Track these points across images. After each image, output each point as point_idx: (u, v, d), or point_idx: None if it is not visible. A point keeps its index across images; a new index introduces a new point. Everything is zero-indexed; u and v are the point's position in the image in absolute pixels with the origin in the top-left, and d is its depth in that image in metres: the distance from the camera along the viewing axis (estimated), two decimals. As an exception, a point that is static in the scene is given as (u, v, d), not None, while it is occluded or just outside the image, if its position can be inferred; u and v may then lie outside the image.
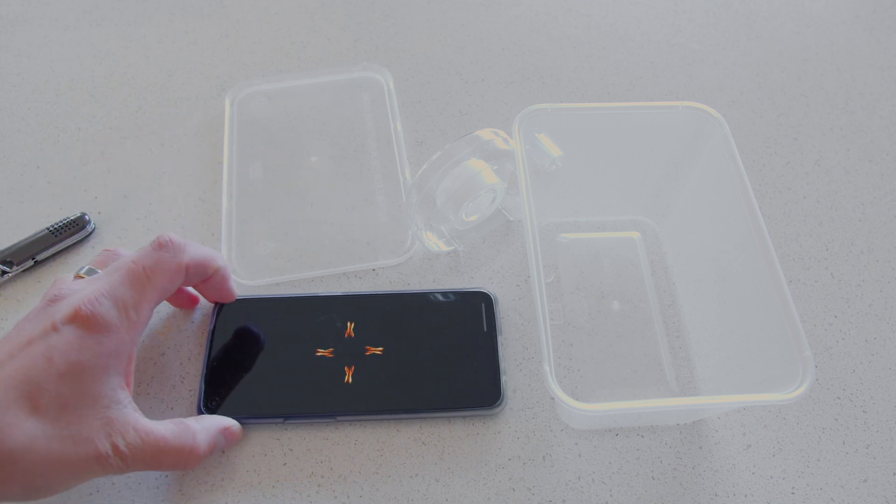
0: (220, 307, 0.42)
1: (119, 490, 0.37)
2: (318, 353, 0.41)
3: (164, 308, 0.43)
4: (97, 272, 0.36)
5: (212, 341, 0.41)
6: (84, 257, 0.46)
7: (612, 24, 0.61)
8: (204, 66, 0.56)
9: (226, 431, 0.37)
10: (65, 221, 0.45)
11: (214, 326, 0.41)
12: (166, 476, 0.38)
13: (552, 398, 0.39)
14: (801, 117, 0.56)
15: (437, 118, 0.54)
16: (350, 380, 0.40)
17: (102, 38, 0.58)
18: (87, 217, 0.46)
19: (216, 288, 0.40)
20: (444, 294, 0.43)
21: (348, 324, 0.42)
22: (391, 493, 0.38)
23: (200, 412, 0.38)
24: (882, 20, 0.63)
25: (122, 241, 0.46)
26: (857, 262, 0.48)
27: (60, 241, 0.45)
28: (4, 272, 0.43)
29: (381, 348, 0.41)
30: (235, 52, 0.57)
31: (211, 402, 0.39)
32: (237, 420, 0.38)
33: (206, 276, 0.38)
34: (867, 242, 0.49)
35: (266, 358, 0.40)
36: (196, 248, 0.37)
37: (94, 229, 0.46)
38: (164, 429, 0.33)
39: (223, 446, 0.37)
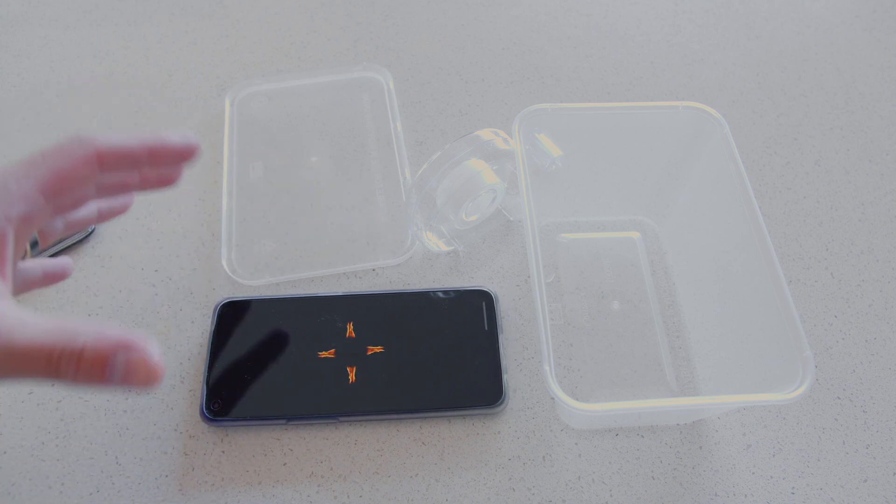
0: (220, 307, 0.42)
1: (119, 490, 0.37)
2: (321, 354, 0.41)
3: (164, 308, 0.43)
4: None
5: (212, 342, 0.41)
6: (84, 257, 0.46)
7: (612, 24, 0.61)
8: (204, 66, 0.56)
9: (126, 349, 0.26)
10: (65, 221, 0.45)
11: (215, 327, 0.41)
12: (166, 476, 0.38)
13: (552, 398, 0.39)
14: (801, 117, 0.56)
15: (437, 118, 0.54)
16: (353, 381, 0.40)
17: (102, 38, 0.58)
18: (87, 217, 0.46)
19: (164, 166, 0.32)
20: (445, 293, 0.43)
21: (349, 324, 0.42)
22: (391, 493, 0.38)
23: (203, 415, 0.38)
24: (882, 20, 0.63)
25: (122, 242, 0.46)
26: (857, 262, 0.48)
27: (60, 241, 0.45)
28: (4, 272, 0.43)
29: (382, 348, 0.41)
30: (235, 52, 0.57)
31: (213, 404, 0.39)
32: (242, 423, 0.38)
33: (136, 164, 0.31)
34: (867, 242, 0.49)
35: (268, 359, 0.40)
36: (117, 136, 0.30)
37: (93, 229, 0.46)
38: (35, 324, 0.26)
39: (121, 375, 0.26)
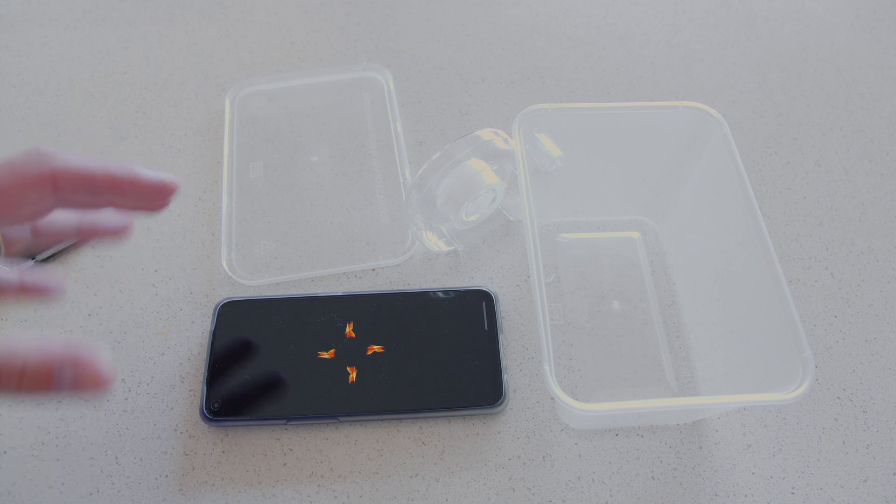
0: (220, 307, 0.42)
1: (119, 490, 0.37)
2: (320, 355, 0.41)
3: (164, 307, 0.44)
4: None
5: (212, 342, 0.41)
6: (84, 257, 0.46)
7: (612, 24, 0.61)
8: (204, 66, 0.56)
9: (73, 364, 0.25)
10: (65, 221, 0.45)
11: (215, 327, 0.41)
12: (166, 476, 0.38)
13: (552, 398, 0.39)
14: (801, 117, 0.56)
15: (437, 118, 0.54)
16: (353, 381, 0.40)
17: (102, 38, 0.58)
18: (87, 217, 0.46)
19: (133, 201, 0.29)
20: (445, 292, 0.43)
21: (349, 324, 0.42)
22: (391, 493, 0.38)
23: (203, 415, 0.38)
24: (882, 20, 0.63)
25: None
26: (857, 262, 0.48)
27: (60, 241, 0.45)
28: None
29: (382, 348, 0.41)
30: (235, 52, 0.57)
31: (213, 403, 0.39)
32: (242, 423, 0.39)
33: (97, 193, 0.28)
34: (867, 242, 0.49)
35: (268, 359, 0.40)
36: (80, 160, 0.27)
37: (94, 229, 0.46)
38: None
39: (69, 389, 0.26)
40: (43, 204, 0.27)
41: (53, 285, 0.32)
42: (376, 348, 0.41)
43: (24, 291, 0.32)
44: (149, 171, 0.29)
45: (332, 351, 0.41)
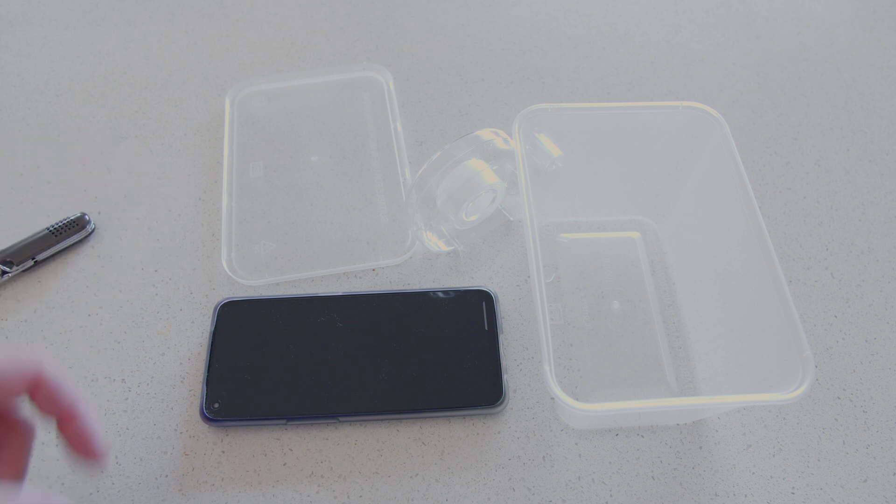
0: (220, 307, 0.42)
1: (119, 490, 0.37)
2: (320, 354, 0.41)
3: (164, 307, 0.44)
4: None
5: (212, 342, 0.41)
6: (84, 257, 0.46)
7: (612, 24, 0.61)
8: (204, 66, 0.56)
9: None
10: (65, 221, 0.45)
11: (215, 327, 0.41)
12: (166, 476, 0.38)
13: (552, 398, 0.40)
14: (801, 117, 0.56)
15: (437, 118, 0.54)
16: (352, 380, 0.40)
17: (102, 38, 0.58)
18: (87, 217, 0.46)
19: (68, 439, 0.31)
20: (445, 292, 0.43)
21: (349, 324, 0.42)
22: (391, 493, 0.38)
23: (203, 415, 0.38)
24: (882, 20, 0.63)
25: (122, 241, 0.46)
26: (857, 262, 0.48)
27: (60, 241, 0.45)
28: (4, 272, 0.43)
29: (382, 348, 0.41)
30: (235, 52, 0.57)
31: (213, 404, 0.39)
32: (242, 423, 0.39)
33: (52, 411, 0.30)
34: (867, 242, 0.49)
35: (267, 359, 0.40)
36: (63, 378, 0.30)
37: (94, 229, 0.46)
38: None
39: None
40: (19, 391, 0.30)
41: None
42: (377, 349, 0.41)
43: None
44: (97, 433, 0.31)
45: (332, 350, 0.41)
